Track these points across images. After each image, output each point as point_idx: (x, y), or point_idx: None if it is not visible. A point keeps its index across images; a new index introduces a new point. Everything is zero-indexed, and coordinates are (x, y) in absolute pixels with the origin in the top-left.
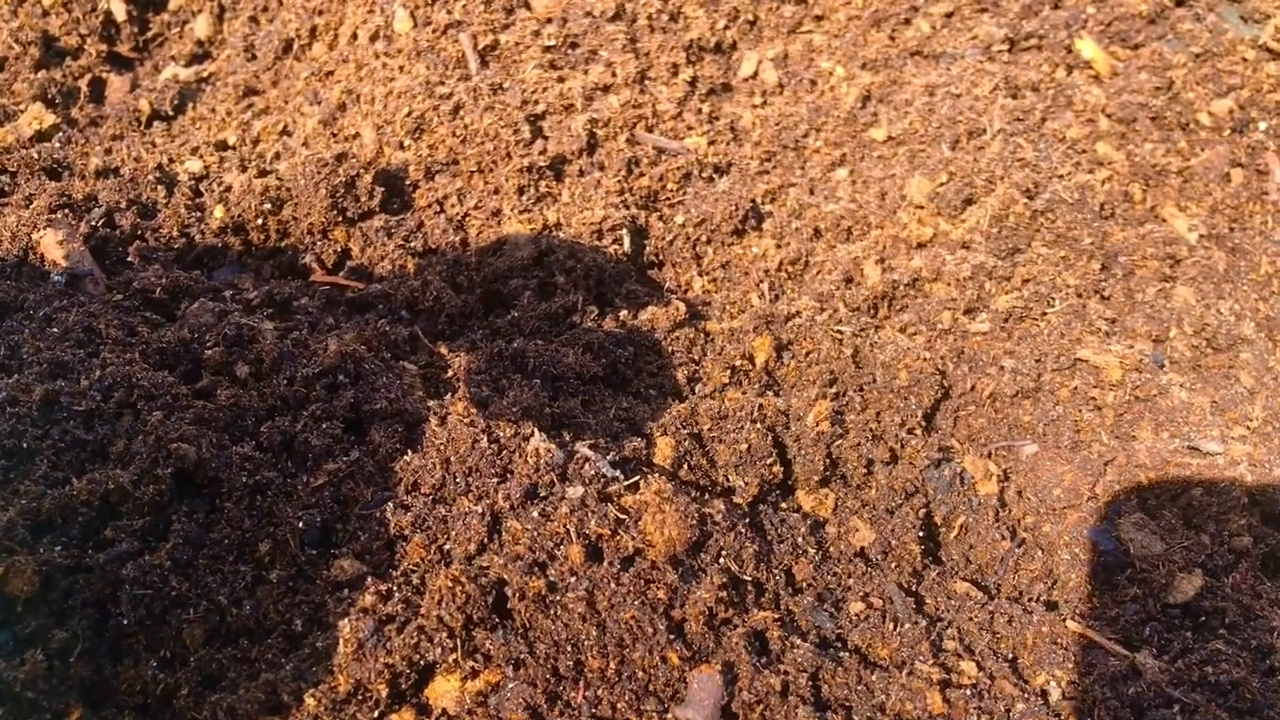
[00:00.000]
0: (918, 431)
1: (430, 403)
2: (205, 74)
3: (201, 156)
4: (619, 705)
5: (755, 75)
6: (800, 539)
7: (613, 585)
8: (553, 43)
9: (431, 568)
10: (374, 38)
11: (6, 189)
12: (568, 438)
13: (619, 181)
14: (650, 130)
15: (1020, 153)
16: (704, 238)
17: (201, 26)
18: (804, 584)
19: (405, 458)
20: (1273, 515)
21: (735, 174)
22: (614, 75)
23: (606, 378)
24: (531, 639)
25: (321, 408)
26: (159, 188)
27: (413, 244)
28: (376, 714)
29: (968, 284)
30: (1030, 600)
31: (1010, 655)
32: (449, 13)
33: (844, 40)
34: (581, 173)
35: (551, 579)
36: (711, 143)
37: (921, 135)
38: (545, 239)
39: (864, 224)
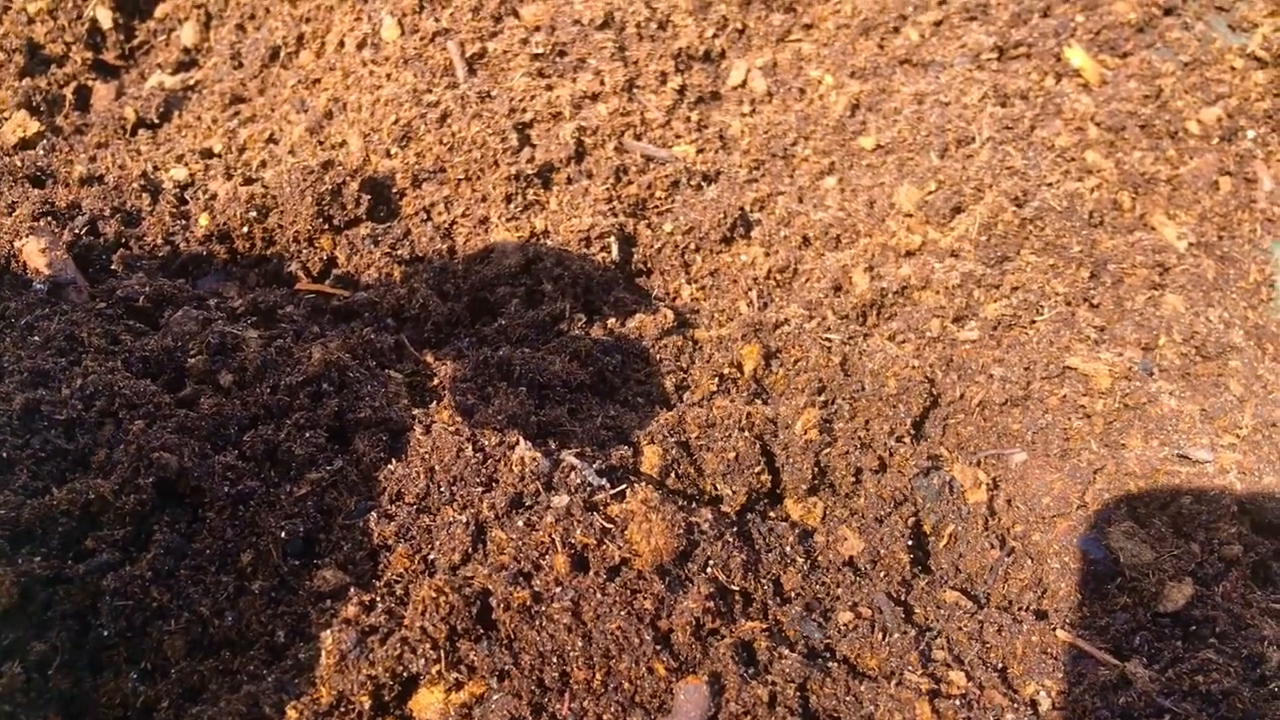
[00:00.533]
0: (906, 440)
1: (415, 411)
2: (191, 82)
3: (187, 164)
4: (605, 717)
5: (744, 83)
6: (788, 548)
7: (599, 595)
8: (541, 51)
9: (415, 578)
10: (361, 45)
11: None
12: (554, 446)
13: (607, 189)
14: (639, 138)
15: (1009, 161)
16: (692, 246)
17: (188, 34)
18: (792, 593)
19: (390, 467)
20: (1263, 523)
21: (724, 182)
22: (602, 83)
23: (594, 386)
24: (516, 650)
25: (305, 416)
26: (144, 195)
27: (399, 252)
28: None
29: (956, 292)
30: (1020, 609)
31: (1000, 665)
32: (437, 20)
33: (833, 49)
34: (569, 181)
35: (537, 589)
36: (700, 151)
37: (910, 143)
38: (533, 247)
39: (853, 232)
